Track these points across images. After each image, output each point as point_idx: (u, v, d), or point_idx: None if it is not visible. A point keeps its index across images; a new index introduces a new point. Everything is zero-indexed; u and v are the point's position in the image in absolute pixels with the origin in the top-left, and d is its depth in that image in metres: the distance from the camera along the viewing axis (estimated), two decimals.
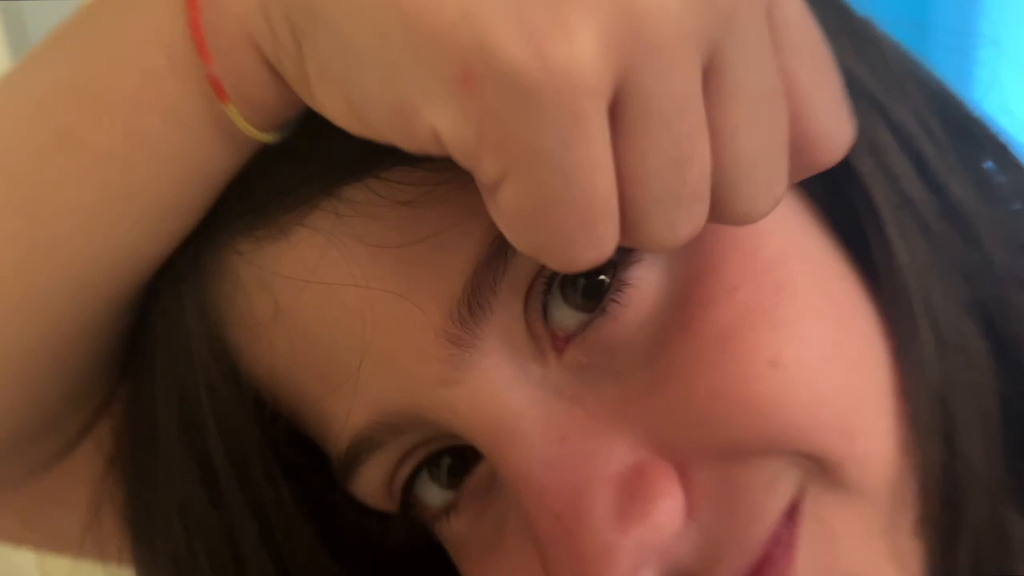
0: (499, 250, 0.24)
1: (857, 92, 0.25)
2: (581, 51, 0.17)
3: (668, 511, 0.24)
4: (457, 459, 0.29)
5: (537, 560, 0.26)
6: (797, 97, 0.21)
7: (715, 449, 0.25)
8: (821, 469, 0.25)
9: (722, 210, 0.21)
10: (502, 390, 0.25)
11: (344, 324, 0.25)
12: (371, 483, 0.29)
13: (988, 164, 0.32)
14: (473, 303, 0.24)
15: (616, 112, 0.18)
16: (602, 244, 0.20)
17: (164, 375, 0.28)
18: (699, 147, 0.19)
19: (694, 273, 0.25)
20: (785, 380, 0.24)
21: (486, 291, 0.24)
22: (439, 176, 0.23)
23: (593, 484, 0.24)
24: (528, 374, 0.26)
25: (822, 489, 0.26)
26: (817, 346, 0.25)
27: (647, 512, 0.24)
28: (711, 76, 0.19)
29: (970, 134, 0.32)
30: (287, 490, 0.29)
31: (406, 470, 0.29)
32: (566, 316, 0.25)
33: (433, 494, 0.29)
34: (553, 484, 0.25)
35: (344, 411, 0.27)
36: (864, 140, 0.25)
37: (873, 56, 0.29)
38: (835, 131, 0.22)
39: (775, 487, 0.25)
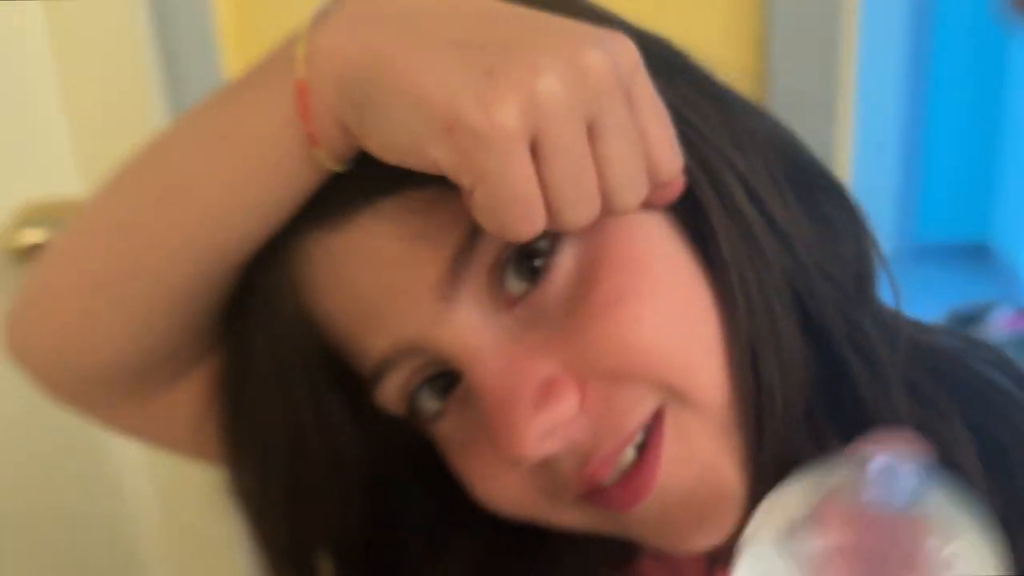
0: (472, 239, 0.38)
1: (706, 141, 0.42)
2: (510, 115, 0.32)
3: (567, 405, 0.39)
4: (447, 379, 0.42)
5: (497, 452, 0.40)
6: (647, 140, 0.35)
7: (603, 373, 0.39)
8: (673, 393, 0.40)
9: (607, 205, 0.35)
10: (471, 330, 0.40)
11: (375, 285, 0.40)
12: (389, 393, 0.43)
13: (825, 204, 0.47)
14: (455, 273, 0.38)
15: (535, 148, 0.33)
16: (534, 223, 0.34)
17: (259, 323, 0.43)
18: (587, 169, 0.34)
19: (592, 261, 0.40)
20: (644, 333, 0.39)
21: (464, 266, 0.39)
22: (435, 194, 0.37)
23: (523, 387, 0.39)
24: (489, 321, 0.40)
25: (677, 405, 0.41)
26: (667, 311, 0.40)
27: (552, 405, 0.39)
28: (593, 128, 0.34)
29: (810, 178, 0.47)
30: (342, 401, 0.44)
31: (412, 385, 0.42)
32: (515, 285, 0.40)
33: (430, 403, 0.43)
34: (499, 386, 0.39)
35: (373, 343, 0.41)
36: (705, 173, 0.41)
37: (724, 114, 0.44)
38: (671, 160, 0.37)
39: (642, 401, 0.40)
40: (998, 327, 2.92)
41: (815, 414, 0.45)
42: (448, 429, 0.44)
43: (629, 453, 0.40)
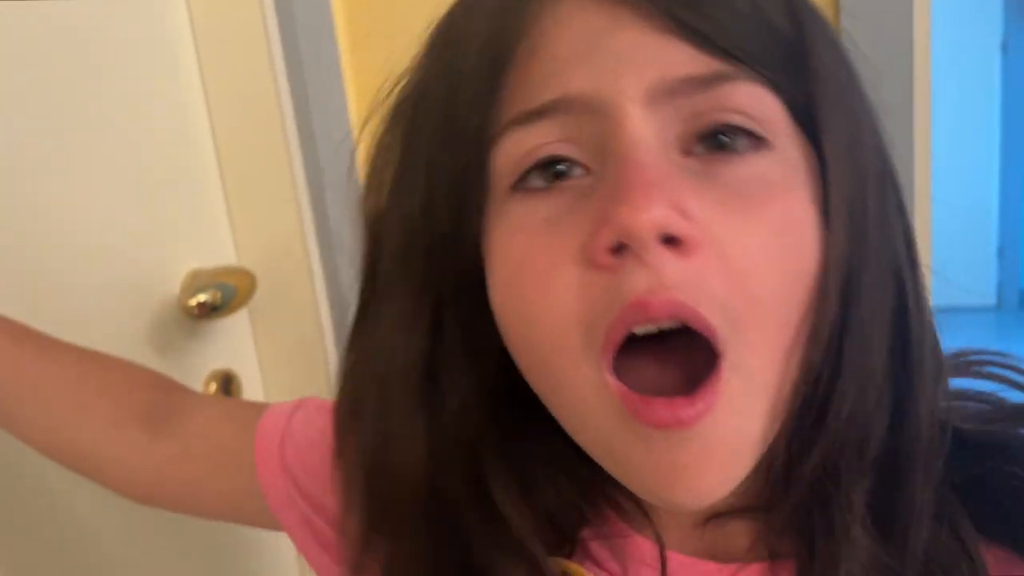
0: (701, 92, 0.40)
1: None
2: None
3: (687, 232, 0.38)
4: (562, 170, 0.41)
5: (577, 236, 0.40)
6: None
7: (715, 253, 0.39)
8: (738, 327, 0.39)
9: None
10: (651, 127, 0.40)
11: (611, 46, 0.40)
12: (512, 148, 0.42)
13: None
14: (671, 95, 0.40)
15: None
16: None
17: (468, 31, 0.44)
18: None
19: (773, 185, 0.41)
20: (765, 268, 0.39)
21: (682, 96, 0.40)
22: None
23: (663, 184, 0.38)
24: (664, 140, 0.40)
25: (735, 356, 0.39)
26: (789, 262, 0.41)
27: (678, 217, 0.38)
28: None
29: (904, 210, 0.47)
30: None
31: (534, 154, 0.41)
32: (698, 148, 0.41)
33: (538, 181, 0.42)
34: (644, 163, 0.38)
35: (561, 82, 0.40)
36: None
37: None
38: None
39: (717, 308, 0.39)
40: None
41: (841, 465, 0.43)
42: (537, 208, 0.42)
43: (666, 324, 0.39)
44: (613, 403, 0.40)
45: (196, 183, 1.03)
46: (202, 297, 0.96)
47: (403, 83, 0.49)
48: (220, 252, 1.06)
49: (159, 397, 0.73)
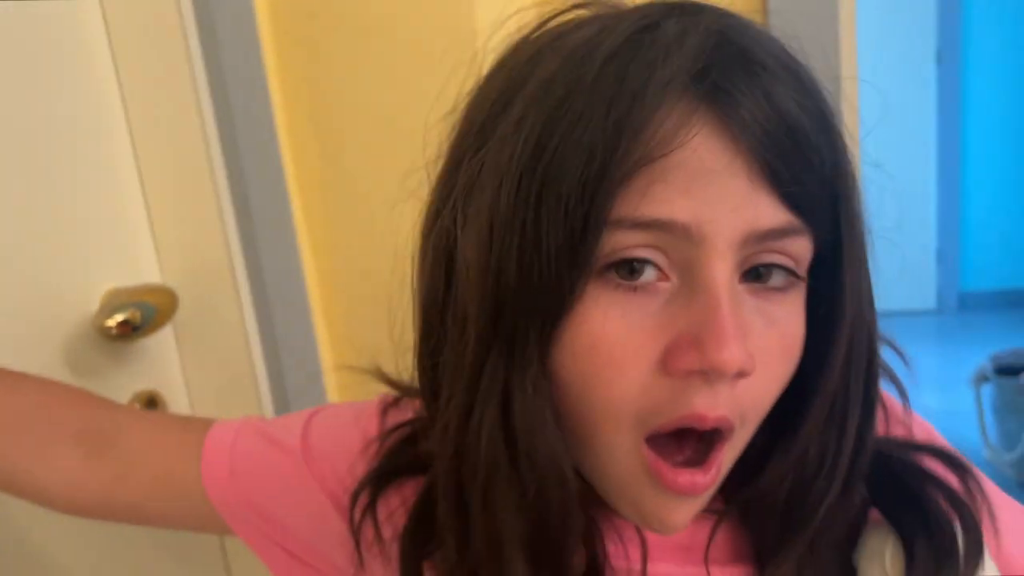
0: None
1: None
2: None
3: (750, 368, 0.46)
4: (639, 267, 0.48)
5: (660, 342, 0.47)
6: None
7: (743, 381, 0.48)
8: (744, 427, 0.50)
9: None
10: (733, 266, 0.47)
11: (722, 190, 0.46)
12: (612, 241, 0.47)
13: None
14: (756, 236, 0.47)
15: None
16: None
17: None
18: None
19: (792, 326, 0.51)
20: (776, 388, 0.51)
21: (765, 243, 0.47)
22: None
23: (741, 331, 0.46)
24: (737, 278, 0.48)
25: (736, 435, 0.50)
26: (785, 378, 0.51)
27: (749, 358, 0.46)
28: None
29: None
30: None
31: (628, 252, 0.47)
32: (762, 278, 0.49)
33: (623, 272, 0.47)
34: (728, 303, 0.46)
35: (678, 205, 0.46)
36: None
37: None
38: None
39: (735, 412, 0.49)
40: None
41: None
42: (626, 302, 0.48)
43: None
44: (643, 466, 0.50)
45: (115, 201, 1.00)
46: (120, 316, 0.93)
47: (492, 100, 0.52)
48: (142, 271, 1.03)
49: (93, 415, 0.73)
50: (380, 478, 0.64)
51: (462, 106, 0.56)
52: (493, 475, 0.51)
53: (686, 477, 0.49)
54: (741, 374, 0.46)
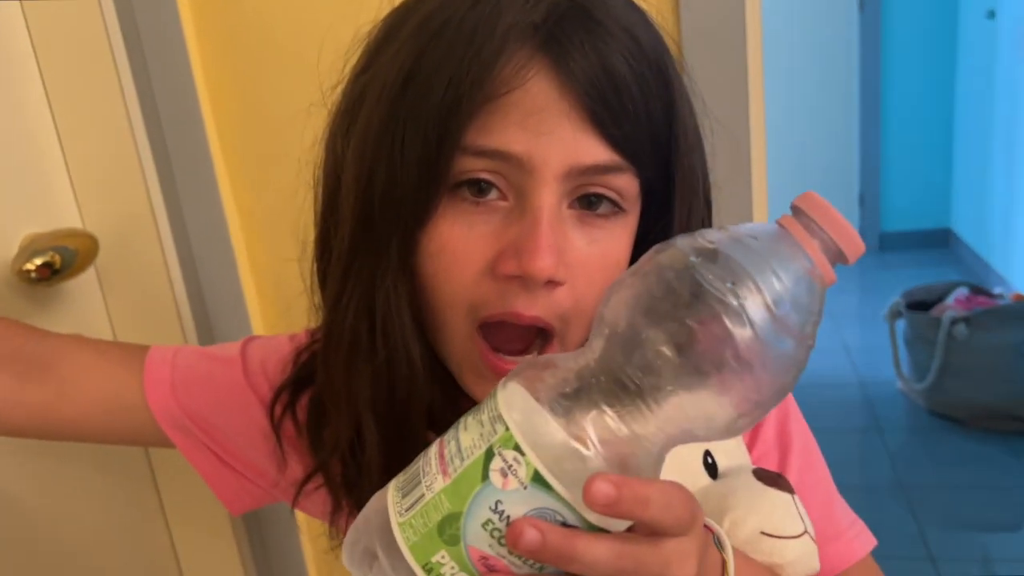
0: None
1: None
2: None
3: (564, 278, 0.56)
4: (485, 188, 0.55)
5: (492, 249, 0.55)
6: None
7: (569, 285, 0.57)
8: (568, 329, 0.58)
9: None
10: (560, 198, 0.55)
11: (553, 125, 0.54)
12: (462, 164, 0.55)
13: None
14: (581, 179, 0.55)
15: None
16: None
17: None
18: None
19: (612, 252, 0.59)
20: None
21: (591, 183, 0.56)
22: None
23: (555, 241, 0.54)
24: (565, 210, 0.56)
25: (565, 333, 0.58)
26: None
27: (564, 268, 0.55)
28: None
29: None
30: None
31: (475, 174, 0.55)
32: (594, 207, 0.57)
33: (471, 191, 0.56)
34: (548, 223, 0.54)
35: (515, 139, 0.54)
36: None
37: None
38: None
39: (558, 317, 0.58)
40: (953, 307, 2.97)
41: None
42: (471, 214, 0.56)
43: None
44: (477, 352, 0.58)
45: (29, 146, 0.99)
46: (39, 260, 0.93)
47: (377, 44, 0.61)
48: (62, 216, 1.02)
49: (27, 341, 0.76)
50: (299, 380, 0.71)
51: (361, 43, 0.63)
52: (354, 348, 0.60)
53: (511, 365, 0.57)
54: (553, 282, 0.55)
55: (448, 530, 0.43)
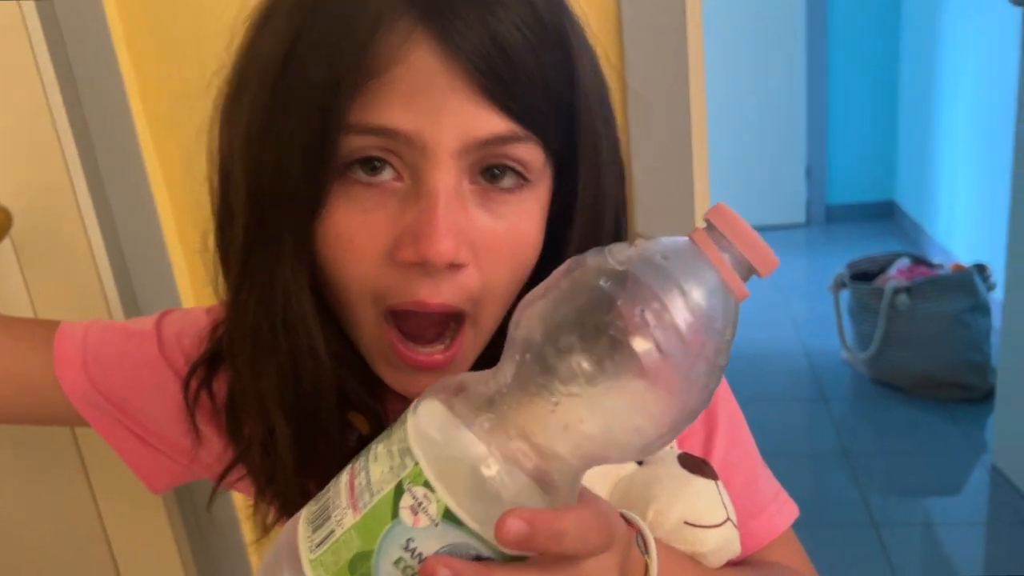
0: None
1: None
2: None
3: (468, 263, 0.53)
4: (378, 166, 0.52)
5: (390, 235, 0.52)
6: None
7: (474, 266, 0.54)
8: (479, 314, 0.56)
9: None
10: (459, 173, 0.52)
11: (443, 94, 0.50)
12: (351, 142, 0.51)
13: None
14: (478, 147, 0.52)
15: None
16: None
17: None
18: None
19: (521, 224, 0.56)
20: (504, 283, 0.56)
21: (489, 155, 0.53)
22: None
23: (453, 230, 0.51)
24: (466, 186, 0.53)
25: (472, 323, 0.56)
26: (519, 276, 0.57)
27: (466, 252, 0.52)
28: None
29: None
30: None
31: (366, 152, 0.52)
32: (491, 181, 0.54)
33: (364, 171, 0.52)
34: (446, 205, 0.51)
35: (402, 114, 0.50)
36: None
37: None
38: None
39: (469, 302, 0.55)
40: (895, 278, 2.98)
41: None
42: (365, 198, 0.53)
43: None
44: (387, 341, 0.56)
45: None
46: None
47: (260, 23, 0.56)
48: None
49: None
50: (216, 355, 0.67)
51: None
52: (257, 344, 0.57)
53: (423, 355, 0.56)
54: (455, 265, 0.52)
55: (360, 568, 0.41)
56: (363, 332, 0.57)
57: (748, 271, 0.42)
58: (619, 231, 0.61)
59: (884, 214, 4.57)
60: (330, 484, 0.45)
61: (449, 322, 0.56)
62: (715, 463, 0.63)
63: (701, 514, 0.56)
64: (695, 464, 0.59)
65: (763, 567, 0.67)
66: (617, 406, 0.40)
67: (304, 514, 0.44)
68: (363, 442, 0.52)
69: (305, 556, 0.42)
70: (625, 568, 0.46)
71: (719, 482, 0.59)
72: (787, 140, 4.53)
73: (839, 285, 3.15)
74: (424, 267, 0.51)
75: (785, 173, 4.55)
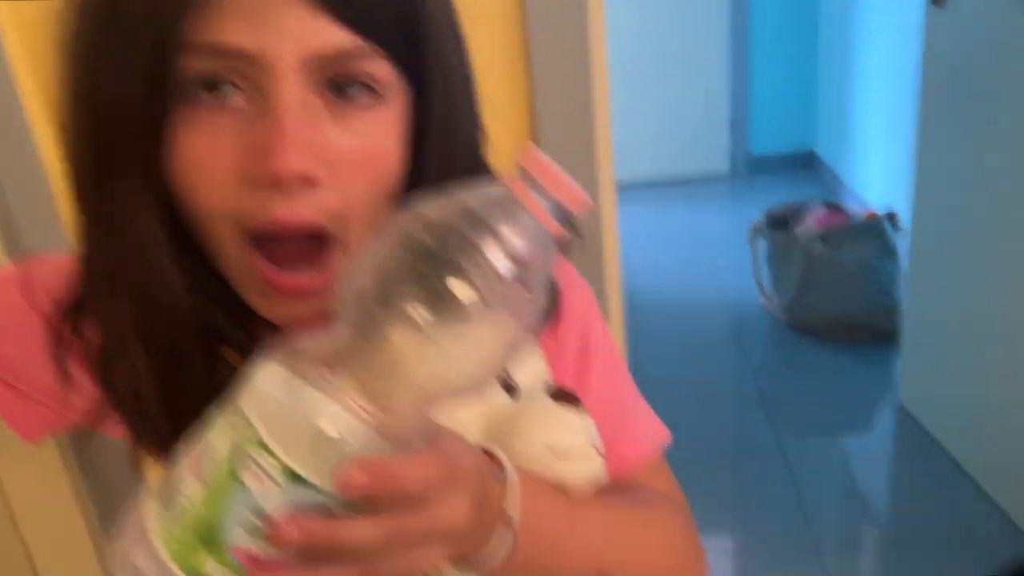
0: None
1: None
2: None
3: (319, 173, 0.51)
4: (222, 84, 0.50)
5: (237, 155, 0.50)
6: None
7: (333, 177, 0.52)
8: (346, 232, 0.54)
9: None
10: (302, 81, 0.50)
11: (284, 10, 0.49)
12: (192, 63, 0.49)
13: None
14: (322, 60, 0.50)
15: None
16: None
17: None
18: None
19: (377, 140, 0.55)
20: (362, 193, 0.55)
21: (338, 61, 0.51)
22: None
23: (301, 143, 0.49)
24: (313, 90, 0.51)
25: (344, 237, 0.54)
26: (378, 188, 0.55)
27: (317, 164, 0.50)
28: None
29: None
30: None
31: (208, 72, 0.50)
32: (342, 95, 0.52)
33: (207, 92, 0.50)
34: (294, 117, 0.49)
35: (243, 31, 0.48)
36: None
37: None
38: None
39: (328, 214, 0.53)
40: (811, 224, 3.03)
41: None
42: (210, 120, 0.51)
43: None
44: (252, 265, 0.54)
45: None
46: None
47: None
48: None
49: None
50: (81, 299, 0.64)
51: None
52: (110, 283, 0.56)
53: (291, 279, 0.54)
54: (308, 181, 0.50)
55: (210, 538, 0.41)
56: (230, 262, 0.55)
57: (560, 211, 0.43)
58: (475, 149, 0.61)
59: (806, 164, 4.63)
60: (174, 461, 0.45)
61: (315, 244, 0.54)
62: (588, 393, 0.63)
63: (566, 444, 0.56)
64: (563, 395, 0.59)
65: (629, 490, 0.67)
66: (448, 351, 0.41)
67: (151, 491, 0.44)
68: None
69: (156, 532, 0.42)
70: (483, 502, 0.46)
71: (585, 411, 0.59)
72: (711, 92, 4.55)
73: (757, 232, 3.19)
74: (278, 185, 0.50)
75: (709, 125, 4.57)
